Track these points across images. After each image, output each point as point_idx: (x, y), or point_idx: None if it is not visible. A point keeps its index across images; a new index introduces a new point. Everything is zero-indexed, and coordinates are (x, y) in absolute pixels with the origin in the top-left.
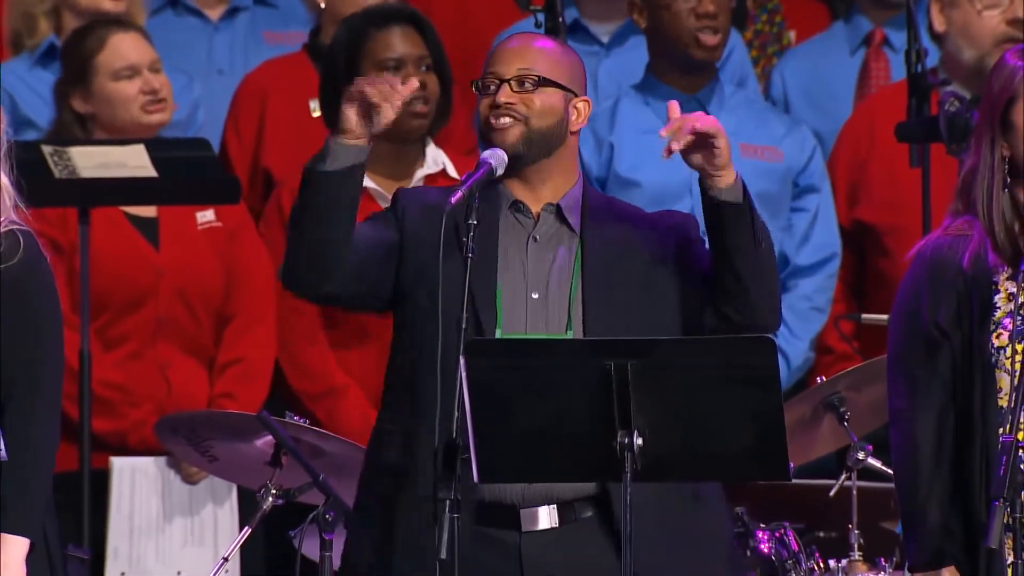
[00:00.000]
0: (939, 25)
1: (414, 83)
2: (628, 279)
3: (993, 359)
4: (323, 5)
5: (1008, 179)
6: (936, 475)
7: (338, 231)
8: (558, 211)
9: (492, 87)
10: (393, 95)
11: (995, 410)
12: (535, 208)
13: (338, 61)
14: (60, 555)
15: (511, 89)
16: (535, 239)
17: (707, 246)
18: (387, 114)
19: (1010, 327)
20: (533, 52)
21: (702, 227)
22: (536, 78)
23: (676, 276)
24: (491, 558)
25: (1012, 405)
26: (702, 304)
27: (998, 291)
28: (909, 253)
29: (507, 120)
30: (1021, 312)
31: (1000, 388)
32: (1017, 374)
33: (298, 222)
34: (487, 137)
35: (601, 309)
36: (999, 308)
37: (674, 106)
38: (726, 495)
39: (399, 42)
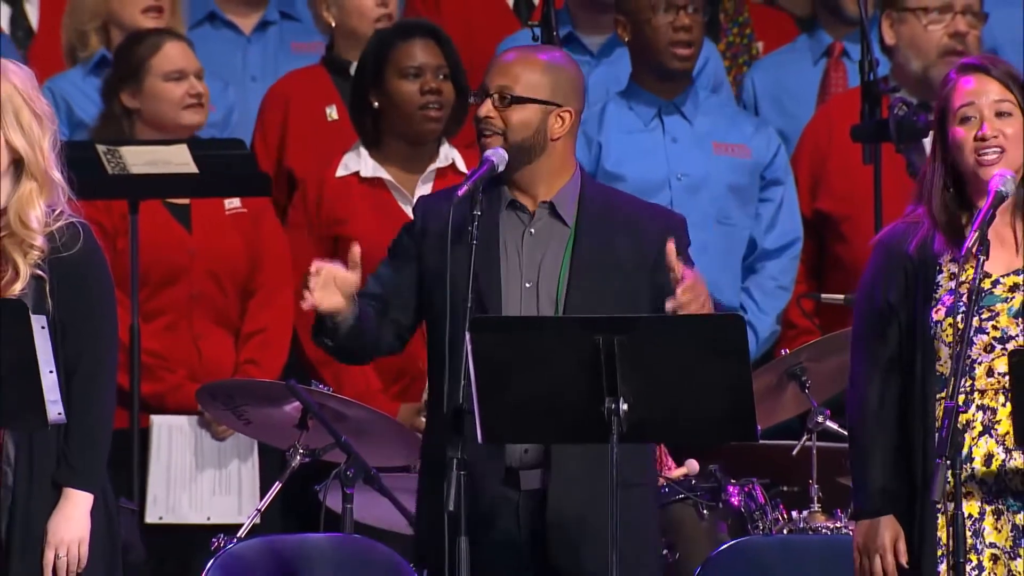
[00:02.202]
0: (889, 39)
1: (357, 252)
2: (611, 271)
3: (932, 331)
4: (334, 24)
5: (949, 176)
6: (877, 432)
7: (362, 348)
8: (552, 208)
9: (480, 98)
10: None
11: (934, 376)
12: (531, 206)
13: (366, 68)
14: (116, 508)
15: (492, 104)
16: (530, 233)
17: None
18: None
19: (948, 303)
20: (516, 70)
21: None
22: (509, 96)
23: (656, 272)
24: (493, 513)
25: (952, 373)
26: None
27: (941, 271)
28: (872, 240)
29: (489, 135)
30: (960, 290)
31: (939, 357)
32: (955, 344)
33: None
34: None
35: (582, 297)
36: (941, 286)
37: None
38: (702, 454)
39: (420, 52)
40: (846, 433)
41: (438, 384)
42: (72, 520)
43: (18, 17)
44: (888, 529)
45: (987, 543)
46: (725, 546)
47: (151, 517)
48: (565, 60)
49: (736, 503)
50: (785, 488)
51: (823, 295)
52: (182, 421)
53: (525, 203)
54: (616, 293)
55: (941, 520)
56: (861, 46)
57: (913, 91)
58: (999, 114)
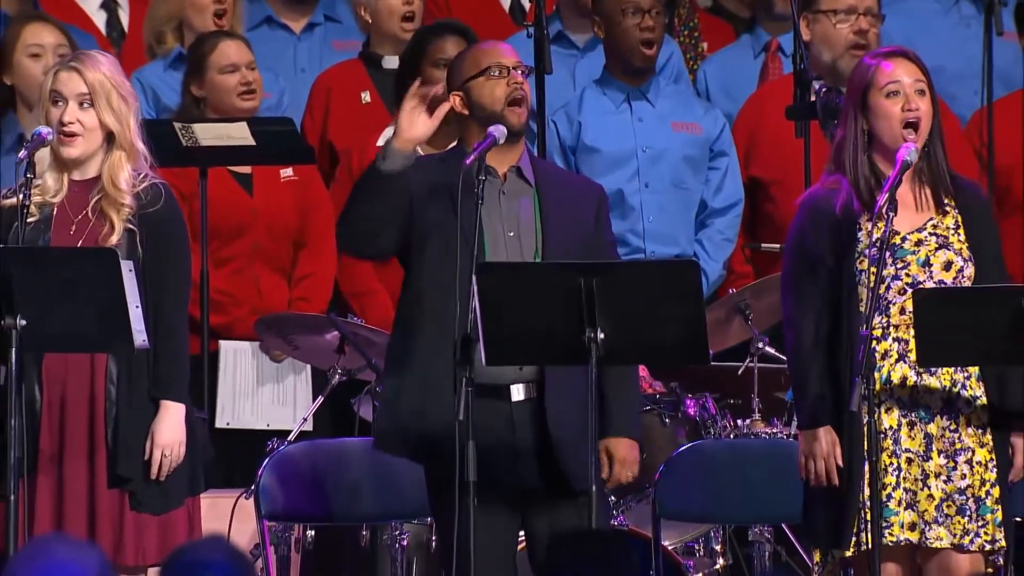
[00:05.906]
0: (806, 35)
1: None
2: (571, 222)
3: (856, 279)
4: (370, 21)
5: (867, 146)
6: (814, 359)
7: (384, 212)
8: (518, 171)
9: (504, 72)
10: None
11: (856, 314)
12: (501, 170)
13: (407, 61)
14: (193, 416)
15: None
16: (503, 192)
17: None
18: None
19: (870, 255)
20: (512, 51)
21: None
22: (528, 68)
23: (594, 224)
24: (491, 420)
25: (868, 310)
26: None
27: (860, 229)
28: (796, 200)
29: (522, 104)
30: (876, 244)
31: (861, 299)
32: (871, 288)
33: (355, 198)
34: (508, 113)
35: (555, 243)
36: (861, 241)
37: None
38: (664, 374)
39: (450, 47)
40: (782, 357)
41: (405, 314)
42: (172, 427)
43: (113, 21)
44: (826, 437)
45: (903, 449)
46: (683, 448)
47: (220, 423)
48: None
49: (692, 413)
50: (732, 401)
51: (763, 244)
52: (245, 346)
53: (498, 169)
54: (578, 239)
55: (864, 430)
56: (794, 42)
57: (825, 78)
58: (918, 92)
